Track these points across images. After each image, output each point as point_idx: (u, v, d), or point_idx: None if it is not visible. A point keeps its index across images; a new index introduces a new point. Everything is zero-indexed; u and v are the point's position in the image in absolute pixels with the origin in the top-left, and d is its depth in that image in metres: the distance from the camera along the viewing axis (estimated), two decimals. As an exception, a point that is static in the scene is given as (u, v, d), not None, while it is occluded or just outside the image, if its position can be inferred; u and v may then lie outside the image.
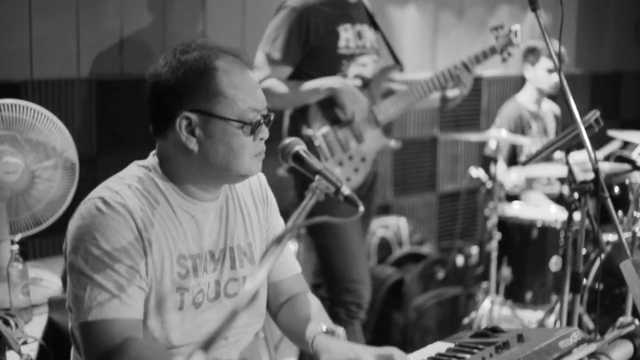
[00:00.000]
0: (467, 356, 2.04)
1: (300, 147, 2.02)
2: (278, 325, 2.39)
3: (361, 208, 1.80)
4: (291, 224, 1.65)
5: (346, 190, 1.86)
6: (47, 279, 3.47)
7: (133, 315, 1.97)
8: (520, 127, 5.44)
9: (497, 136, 4.93)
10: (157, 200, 2.07)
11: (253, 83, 2.09)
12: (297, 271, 2.42)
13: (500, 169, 5.01)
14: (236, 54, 2.11)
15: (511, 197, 5.36)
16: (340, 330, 2.17)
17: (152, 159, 2.16)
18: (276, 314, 2.38)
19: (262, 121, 2.07)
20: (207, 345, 1.25)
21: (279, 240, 1.56)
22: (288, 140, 2.05)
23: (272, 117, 2.11)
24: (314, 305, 2.31)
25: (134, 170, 2.13)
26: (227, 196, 2.23)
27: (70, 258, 2.00)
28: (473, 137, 5.16)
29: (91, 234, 1.96)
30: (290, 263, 2.41)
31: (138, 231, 2.00)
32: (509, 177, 5.24)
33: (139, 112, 4.14)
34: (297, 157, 2.01)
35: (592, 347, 1.89)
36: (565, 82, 2.69)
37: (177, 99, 2.04)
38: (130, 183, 2.06)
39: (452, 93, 4.09)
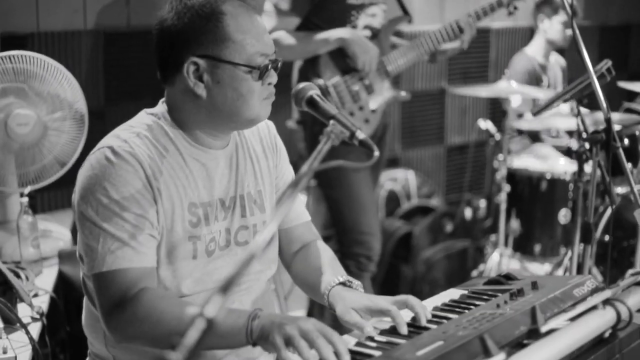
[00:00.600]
0: (481, 303, 2.05)
1: (314, 91, 1.99)
2: (292, 276, 2.39)
3: (376, 152, 1.78)
4: (306, 168, 1.63)
5: (361, 134, 1.84)
6: (56, 232, 3.47)
7: (147, 264, 1.96)
8: (534, 80, 5.41)
9: (515, 90, 4.87)
10: (167, 148, 2.05)
11: (261, 27, 2.06)
12: (307, 219, 2.41)
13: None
14: None
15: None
16: (356, 283, 2.16)
17: (161, 106, 2.13)
18: (290, 263, 2.38)
19: (270, 66, 2.04)
20: (224, 289, 1.24)
21: (295, 184, 1.55)
22: (302, 85, 2.02)
23: (280, 63, 2.09)
24: (327, 255, 2.30)
25: (143, 118, 2.10)
26: (237, 144, 2.21)
27: (81, 208, 1.98)
28: (482, 90, 5.11)
29: (101, 184, 1.95)
30: (300, 210, 2.39)
31: (147, 180, 1.98)
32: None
33: (146, 64, 4.16)
34: (311, 102, 1.98)
35: (606, 294, 1.87)
36: (578, 34, 2.67)
37: (184, 45, 2.01)
38: (140, 131, 2.04)
39: (447, 45, 4.04)
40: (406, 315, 1.98)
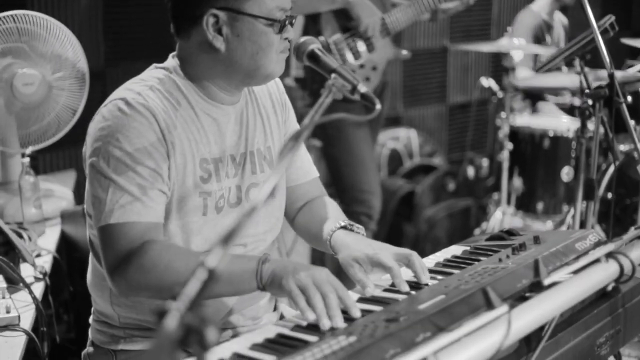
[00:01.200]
0: (484, 258, 2.05)
1: (316, 45, 1.97)
2: (294, 228, 2.38)
3: (378, 106, 1.76)
4: (307, 121, 1.62)
5: (363, 87, 1.82)
6: (59, 192, 3.47)
7: (154, 219, 1.94)
8: (539, 37, 5.36)
9: (518, 46, 4.83)
10: (179, 102, 2.03)
11: None
12: (315, 175, 2.39)
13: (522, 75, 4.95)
14: None
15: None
16: (358, 227, 2.16)
17: (172, 60, 2.11)
18: (293, 218, 2.37)
19: (287, 21, 2.02)
20: (225, 240, 1.22)
21: (295, 137, 1.53)
22: (303, 39, 2.00)
23: (295, 19, 2.06)
24: (331, 207, 2.30)
25: (155, 72, 2.08)
26: (247, 100, 2.19)
27: (91, 160, 1.96)
28: (485, 47, 5.07)
29: (113, 135, 1.93)
30: (308, 167, 2.38)
31: (162, 133, 1.96)
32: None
33: (147, 25, 4.13)
34: (313, 56, 1.96)
35: (609, 247, 1.86)
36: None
37: None
38: (152, 84, 2.02)
39: (449, 4, 4.01)
40: (407, 274, 1.98)
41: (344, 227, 2.14)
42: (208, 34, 1.98)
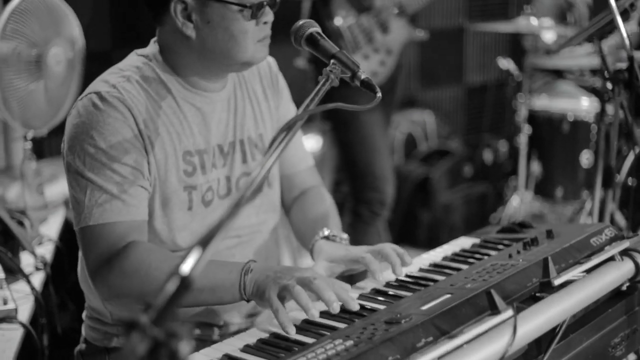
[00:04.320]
0: (493, 252, 1.98)
1: (315, 29, 1.84)
2: (290, 223, 2.30)
3: (379, 94, 1.68)
4: (302, 110, 1.53)
5: (363, 74, 1.72)
6: (63, 178, 3.40)
7: (136, 217, 1.87)
8: (560, 16, 5.25)
9: (540, 27, 4.72)
10: (159, 92, 1.94)
11: None
12: (310, 164, 2.31)
13: None
14: None
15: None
16: (343, 236, 2.08)
17: (153, 46, 2.01)
18: (289, 209, 2.29)
19: (265, 2, 1.90)
20: (205, 241, 1.14)
21: (288, 127, 1.45)
22: (301, 22, 1.87)
23: (277, 1, 1.95)
24: (324, 205, 2.22)
25: (134, 60, 1.98)
26: (235, 85, 2.10)
27: (68, 159, 1.88)
28: (504, 27, 4.96)
29: (88, 132, 1.85)
30: (303, 154, 2.30)
31: (138, 128, 1.87)
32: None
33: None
34: (311, 40, 1.83)
35: (624, 244, 1.79)
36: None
37: None
38: (130, 75, 1.92)
39: None
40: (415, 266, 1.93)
41: (327, 237, 2.06)
42: (177, 21, 1.89)
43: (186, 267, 1.07)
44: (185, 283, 1.05)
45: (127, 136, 1.86)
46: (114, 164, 1.84)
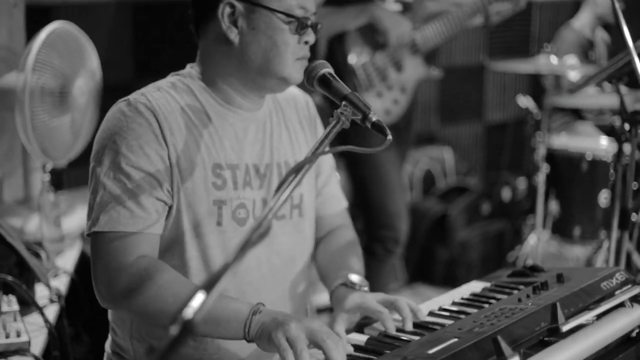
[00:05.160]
0: (503, 296, 1.97)
1: (327, 70, 1.87)
2: (315, 263, 2.28)
3: (389, 137, 1.69)
4: (311, 152, 1.54)
5: (374, 116, 1.73)
6: (81, 210, 3.41)
7: (145, 230, 1.86)
8: (585, 53, 5.26)
9: (563, 66, 4.72)
10: (190, 105, 1.96)
11: None
12: (343, 206, 2.32)
13: None
14: None
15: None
16: (363, 283, 2.05)
17: (188, 69, 2.05)
18: (315, 248, 2.26)
19: (309, 22, 1.94)
20: (209, 285, 1.14)
21: (297, 169, 1.46)
22: (315, 63, 1.90)
23: (319, 26, 1.99)
24: (349, 250, 2.21)
25: (169, 78, 2.03)
26: (271, 111, 2.11)
27: (92, 164, 1.91)
28: (524, 66, 4.95)
29: (111, 138, 1.87)
30: (336, 198, 2.30)
31: (162, 135, 1.88)
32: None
33: (176, 37, 4.09)
34: (324, 81, 1.85)
35: (636, 290, 1.78)
36: (618, 7, 2.55)
37: None
38: (161, 86, 1.96)
39: (500, 7, 3.89)
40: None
41: (345, 284, 2.05)
42: (223, 24, 1.93)
43: (189, 312, 1.08)
44: (188, 328, 1.06)
45: (149, 141, 1.87)
46: (130, 168, 1.85)
